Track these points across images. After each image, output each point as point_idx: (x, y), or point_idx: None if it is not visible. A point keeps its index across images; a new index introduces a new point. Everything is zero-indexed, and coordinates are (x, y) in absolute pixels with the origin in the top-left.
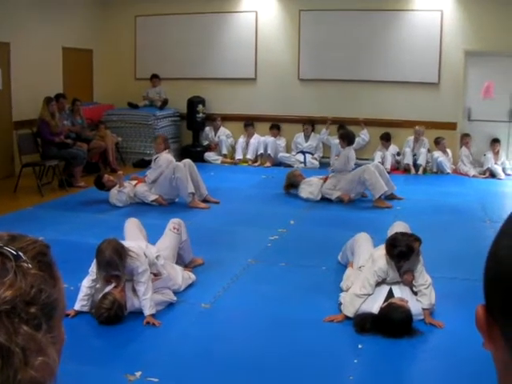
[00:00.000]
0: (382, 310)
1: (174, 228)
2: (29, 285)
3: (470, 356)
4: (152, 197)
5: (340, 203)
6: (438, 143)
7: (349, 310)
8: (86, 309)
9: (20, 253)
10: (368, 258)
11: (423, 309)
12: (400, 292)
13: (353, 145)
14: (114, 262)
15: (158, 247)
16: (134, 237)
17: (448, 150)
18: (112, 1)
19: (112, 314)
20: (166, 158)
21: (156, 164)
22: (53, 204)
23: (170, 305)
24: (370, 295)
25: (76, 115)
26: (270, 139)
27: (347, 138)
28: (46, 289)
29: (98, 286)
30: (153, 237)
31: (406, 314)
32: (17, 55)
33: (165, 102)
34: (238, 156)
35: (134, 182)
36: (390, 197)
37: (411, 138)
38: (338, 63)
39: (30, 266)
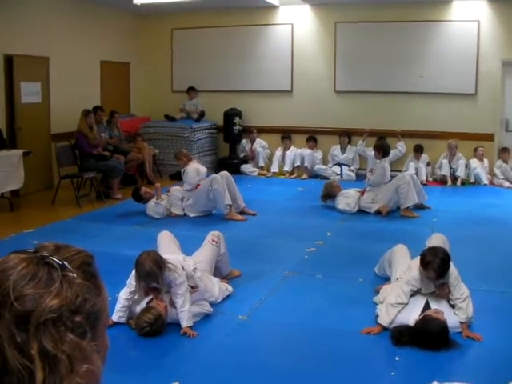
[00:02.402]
0: (417, 322)
1: (214, 240)
2: (74, 294)
3: (508, 369)
4: (177, 211)
5: (377, 215)
6: (475, 151)
7: (384, 320)
8: (123, 320)
9: (65, 263)
10: (406, 269)
11: (460, 322)
12: (437, 304)
13: (388, 156)
14: (153, 274)
15: (195, 259)
16: (169, 249)
17: (485, 160)
18: (149, 14)
19: (154, 329)
20: (192, 168)
21: (185, 176)
22: (90, 216)
23: (207, 316)
24: (405, 305)
25: (113, 127)
26: (306, 151)
27: (382, 150)
28: (91, 298)
29: (135, 297)
30: (189, 248)
31: (442, 326)
32: (56, 69)
33: (202, 115)
34: (275, 168)
35: (177, 193)
36: (419, 206)
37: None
38: (375, 75)
39: (75, 275)
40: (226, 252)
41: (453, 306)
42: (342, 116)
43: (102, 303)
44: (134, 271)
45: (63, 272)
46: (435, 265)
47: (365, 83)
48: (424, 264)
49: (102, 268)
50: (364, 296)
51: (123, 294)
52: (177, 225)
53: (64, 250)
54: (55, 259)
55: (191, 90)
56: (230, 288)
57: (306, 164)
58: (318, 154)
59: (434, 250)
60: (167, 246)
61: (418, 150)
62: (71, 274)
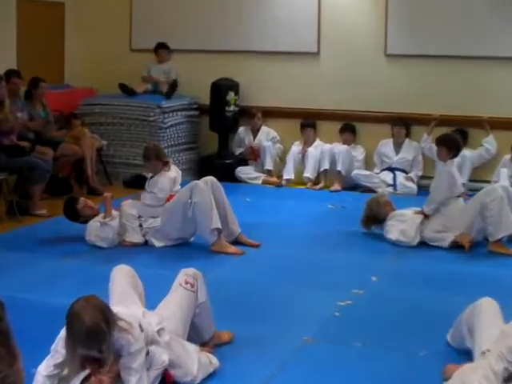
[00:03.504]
0: None
1: (187, 283)
2: None
3: None
4: (134, 238)
5: (453, 250)
6: None
7: None
8: None
9: None
10: (497, 337)
11: None
12: None
13: (457, 156)
14: (96, 334)
15: (160, 314)
16: (124, 298)
17: None
18: None
19: None
20: (167, 178)
21: (152, 187)
22: None
23: None
24: None
25: (36, 104)
26: (340, 148)
27: (451, 145)
28: (3, 368)
29: (64, 373)
30: (152, 297)
31: None
32: None
33: (173, 86)
34: (290, 174)
35: (132, 210)
36: None
37: None
38: (448, 31)
39: None
40: (208, 302)
41: None
42: (397, 93)
43: (17, 377)
44: (63, 330)
45: None
46: None
47: (433, 44)
48: None
49: (15, 324)
50: (428, 378)
51: (45, 369)
52: (133, 259)
53: None
54: None
55: (161, 48)
56: (214, 361)
57: (338, 168)
58: (359, 153)
59: None
60: (124, 291)
61: None
62: None
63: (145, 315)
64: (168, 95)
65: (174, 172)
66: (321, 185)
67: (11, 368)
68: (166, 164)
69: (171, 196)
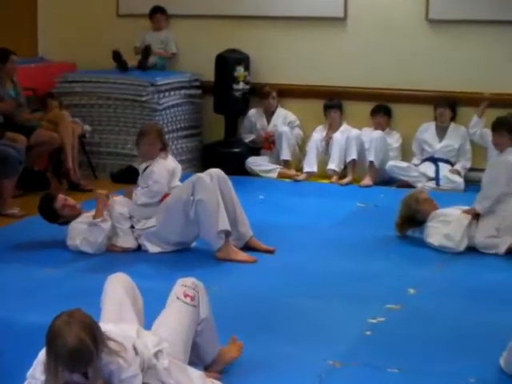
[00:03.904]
0: None
1: (186, 295)
2: None
3: None
4: (125, 242)
5: (509, 257)
6: None
7: None
8: None
9: None
10: None
11: None
12: None
13: None
14: (83, 352)
15: (157, 333)
16: (119, 313)
17: None
18: None
19: None
20: (164, 167)
21: (146, 179)
22: None
23: None
24: None
25: (5, 82)
26: (372, 134)
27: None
28: None
29: None
30: (146, 313)
31: None
32: None
33: (145, 54)
34: (311, 165)
35: (122, 209)
36: None
37: None
38: None
39: None
40: (212, 318)
41: None
42: (441, 68)
43: None
44: (41, 353)
45: None
46: None
47: (484, 7)
48: None
49: None
50: None
51: None
52: (124, 267)
53: None
54: None
55: (158, 13)
56: None
57: (370, 158)
58: (394, 140)
59: None
60: (119, 304)
61: None
62: None
63: (140, 335)
64: (141, 67)
65: (172, 162)
66: (348, 179)
67: None
68: (164, 148)
69: (166, 195)
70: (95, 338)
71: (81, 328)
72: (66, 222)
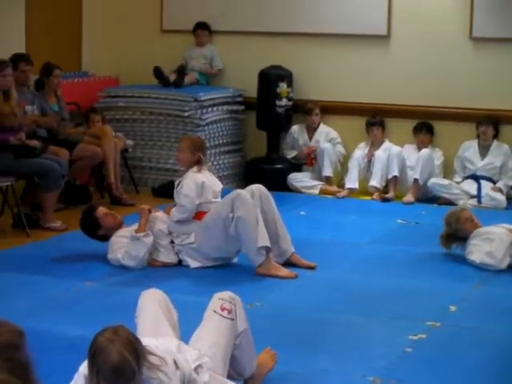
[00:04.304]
0: None
1: (224, 309)
2: None
3: None
4: (166, 257)
5: None
6: None
7: None
8: None
9: None
10: None
11: None
12: None
13: None
14: (125, 370)
15: (197, 347)
16: (155, 328)
17: None
18: None
19: None
20: (192, 181)
21: (178, 195)
22: (0, 260)
23: None
24: None
25: (49, 96)
26: (415, 152)
27: None
28: None
29: None
30: (186, 327)
31: None
32: None
33: (181, 72)
34: (353, 182)
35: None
36: None
37: None
38: None
39: None
40: (249, 331)
41: None
42: (484, 86)
43: None
44: (83, 367)
45: None
46: None
47: None
48: None
49: None
50: None
51: None
52: (164, 282)
53: None
54: None
55: (200, 28)
56: None
57: (415, 176)
58: (436, 158)
59: None
60: (155, 320)
61: None
62: None
63: (180, 350)
64: (176, 84)
65: (202, 176)
66: (390, 195)
67: None
68: (197, 163)
69: (201, 213)
70: (138, 355)
71: (124, 345)
72: (106, 237)
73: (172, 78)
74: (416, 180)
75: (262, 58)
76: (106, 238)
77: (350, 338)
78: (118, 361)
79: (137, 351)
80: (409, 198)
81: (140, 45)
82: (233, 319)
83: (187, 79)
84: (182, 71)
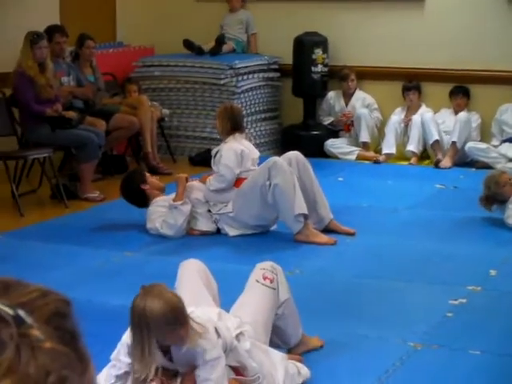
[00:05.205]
0: None
1: (266, 278)
2: (42, 369)
3: None
4: (204, 225)
5: None
6: None
7: None
8: None
9: (22, 312)
10: None
11: None
12: None
13: None
14: (178, 309)
15: (238, 316)
16: (196, 298)
17: None
18: None
19: None
20: (231, 150)
21: (217, 164)
22: (40, 230)
23: None
24: None
25: (84, 67)
26: (453, 116)
27: None
28: (72, 377)
29: None
30: (226, 296)
31: None
32: None
33: (220, 42)
34: (390, 147)
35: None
36: None
37: None
38: None
39: (41, 335)
40: (292, 301)
41: None
42: None
43: None
44: (126, 336)
45: (20, 329)
46: None
47: None
48: None
49: None
50: None
51: (106, 380)
52: (203, 251)
53: (18, 289)
54: (4, 307)
55: None
56: (304, 371)
57: (453, 139)
58: (474, 120)
59: None
60: (195, 290)
61: None
62: (35, 333)
63: (221, 318)
64: (213, 53)
65: (240, 145)
66: (428, 160)
67: (83, 376)
68: (236, 129)
69: (240, 180)
70: (185, 317)
71: (167, 306)
72: (147, 200)
73: (208, 46)
74: (454, 143)
75: (296, 25)
76: (145, 201)
77: (389, 304)
78: (168, 304)
79: (183, 314)
80: (446, 162)
81: (174, 14)
82: (275, 288)
83: (225, 48)
84: (221, 40)
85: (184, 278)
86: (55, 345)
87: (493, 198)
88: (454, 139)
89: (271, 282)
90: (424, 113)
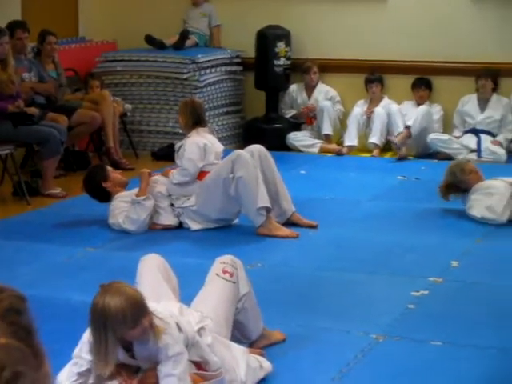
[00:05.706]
0: None
1: (226, 272)
2: None
3: None
4: (166, 219)
5: None
6: None
7: None
8: None
9: None
10: None
11: None
12: None
13: None
14: (138, 302)
15: (198, 309)
16: (156, 293)
17: None
18: None
19: None
20: (194, 144)
21: (180, 158)
22: (2, 228)
23: None
24: None
25: (46, 63)
26: (413, 108)
27: None
28: (26, 372)
29: (90, 382)
30: (188, 290)
31: None
32: None
33: (183, 36)
34: (352, 140)
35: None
36: None
37: None
38: None
39: None
40: (253, 295)
41: None
42: (482, 40)
43: (43, 382)
44: (86, 334)
45: None
46: None
47: None
48: None
49: None
50: None
51: (67, 378)
52: (165, 245)
53: None
54: None
55: None
56: (266, 365)
57: (409, 123)
58: (435, 113)
59: None
60: (154, 285)
61: None
62: None
63: (182, 312)
64: (176, 47)
65: (203, 139)
66: (390, 152)
67: (38, 372)
68: (198, 124)
69: (203, 173)
70: (146, 312)
71: (128, 301)
72: (109, 195)
73: (171, 41)
74: (408, 127)
75: (259, 18)
76: (107, 197)
77: (352, 296)
78: (125, 299)
79: (144, 308)
80: (407, 153)
81: (137, 8)
82: (235, 282)
83: (188, 42)
84: (184, 35)
85: (144, 273)
86: (9, 340)
87: (455, 186)
88: (409, 123)
89: (231, 275)
90: (388, 104)
